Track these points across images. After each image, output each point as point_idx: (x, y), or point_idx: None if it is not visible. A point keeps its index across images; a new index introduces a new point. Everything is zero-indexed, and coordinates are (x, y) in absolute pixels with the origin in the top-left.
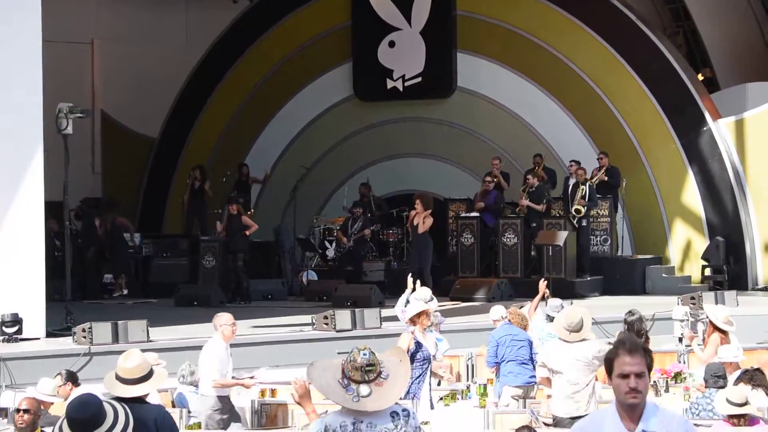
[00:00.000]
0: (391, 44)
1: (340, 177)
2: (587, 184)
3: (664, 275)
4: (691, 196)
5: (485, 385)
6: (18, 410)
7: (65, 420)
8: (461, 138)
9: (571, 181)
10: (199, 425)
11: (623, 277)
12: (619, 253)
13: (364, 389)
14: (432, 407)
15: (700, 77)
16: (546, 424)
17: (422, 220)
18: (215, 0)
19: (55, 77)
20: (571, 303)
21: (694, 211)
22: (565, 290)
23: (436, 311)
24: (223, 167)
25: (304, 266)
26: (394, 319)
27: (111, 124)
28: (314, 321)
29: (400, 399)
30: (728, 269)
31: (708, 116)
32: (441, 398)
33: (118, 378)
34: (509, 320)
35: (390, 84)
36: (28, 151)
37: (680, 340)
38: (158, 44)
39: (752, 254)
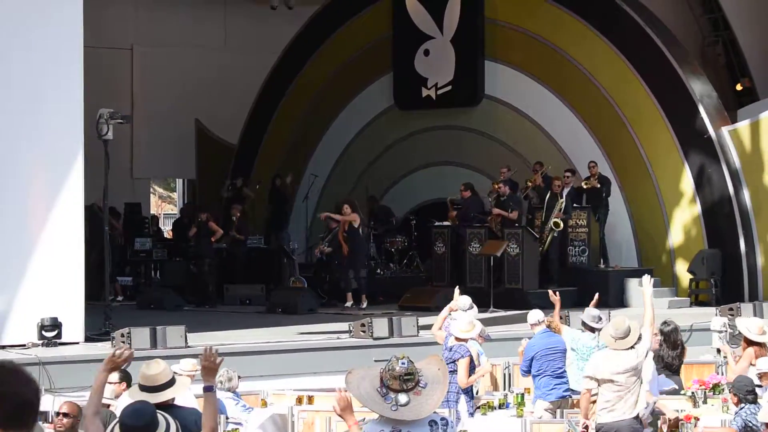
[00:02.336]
0: (426, 53)
1: (384, 185)
2: (564, 197)
3: (640, 287)
4: (692, 206)
5: (522, 395)
6: (57, 414)
7: (118, 425)
8: (488, 146)
9: (548, 193)
10: (237, 431)
11: (598, 289)
12: (616, 264)
13: (402, 398)
14: (471, 415)
15: (739, 87)
16: None
17: (345, 225)
18: (253, 4)
19: (96, 83)
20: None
21: (695, 223)
22: (520, 301)
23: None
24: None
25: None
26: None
27: (201, 131)
28: (351, 328)
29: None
30: (716, 282)
31: (709, 124)
32: (478, 407)
33: (142, 387)
34: (547, 326)
35: (425, 92)
36: (69, 157)
37: (718, 351)
38: (196, 49)
39: (752, 267)
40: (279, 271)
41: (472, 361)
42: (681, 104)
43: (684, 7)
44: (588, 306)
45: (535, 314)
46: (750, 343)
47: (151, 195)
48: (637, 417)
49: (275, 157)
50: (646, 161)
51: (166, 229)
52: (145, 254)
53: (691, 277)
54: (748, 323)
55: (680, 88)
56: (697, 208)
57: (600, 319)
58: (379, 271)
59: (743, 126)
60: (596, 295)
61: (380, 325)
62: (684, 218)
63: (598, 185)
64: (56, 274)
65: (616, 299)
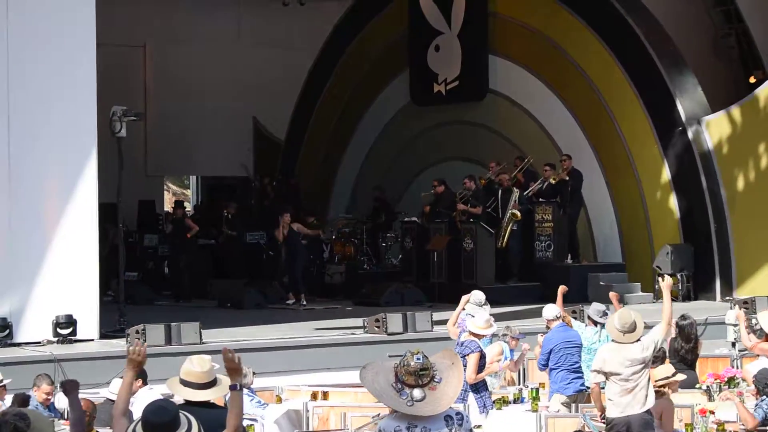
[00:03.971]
0: (437, 48)
1: (401, 182)
2: (518, 191)
3: (602, 283)
4: (670, 200)
5: (537, 389)
6: None
7: (141, 423)
8: (492, 141)
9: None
10: (252, 428)
11: (560, 284)
12: (584, 259)
13: (417, 393)
14: (487, 413)
15: (752, 80)
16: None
17: (284, 227)
18: (266, 1)
19: (109, 80)
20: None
21: (672, 217)
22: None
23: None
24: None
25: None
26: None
27: (258, 130)
28: (366, 324)
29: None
30: (687, 277)
31: (683, 115)
32: (493, 402)
33: (183, 382)
34: (564, 321)
35: (436, 88)
36: (83, 154)
37: (733, 344)
38: (210, 46)
39: (725, 262)
40: (272, 267)
41: (483, 357)
42: (659, 97)
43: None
44: (553, 302)
45: (551, 309)
46: None
47: (165, 192)
48: (648, 411)
49: (317, 155)
50: (629, 155)
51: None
52: (153, 250)
53: (659, 272)
54: None
55: (658, 81)
56: (674, 202)
57: (605, 313)
58: (366, 266)
59: (720, 117)
60: (560, 288)
61: (395, 321)
62: (662, 212)
63: (566, 178)
64: (71, 272)
65: (578, 294)
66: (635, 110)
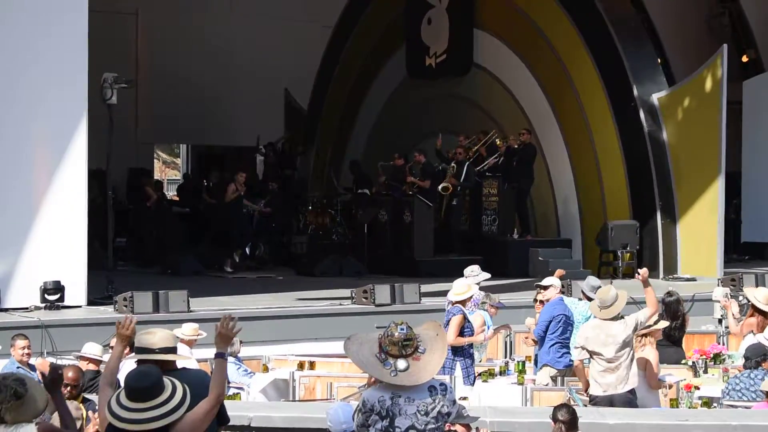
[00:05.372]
0: (429, 21)
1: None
2: (466, 164)
3: (540, 258)
4: (621, 175)
5: (524, 362)
6: (66, 385)
7: (124, 389)
8: (475, 114)
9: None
10: (238, 396)
11: (500, 258)
12: (528, 235)
13: (401, 364)
14: (472, 384)
15: (745, 59)
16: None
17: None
18: None
19: (100, 47)
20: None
21: (623, 193)
22: (410, 269)
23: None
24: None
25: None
26: (434, 294)
27: (288, 102)
28: (353, 295)
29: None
30: (632, 255)
31: (636, 91)
32: (479, 375)
33: (144, 350)
34: (562, 293)
35: (427, 61)
36: (73, 121)
37: (720, 321)
38: (202, 14)
39: (670, 239)
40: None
41: (466, 320)
42: (615, 72)
43: None
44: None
45: (551, 279)
46: (756, 311)
47: (155, 161)
48: (632, 391)
49: (332, 126)
50: (589, 131)
51: (170, 194)
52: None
53: (602, 249)
54: (756, 292)
55: (615, 56)
56: (626, 179)
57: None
58: (334, 237)
59: (671, 94)
60: (558, 271)
61: (382, 292)
62: (616, 189)
63: (515, 146)
64: (59, 238)
65: (517, 269)
66: (595, 86)
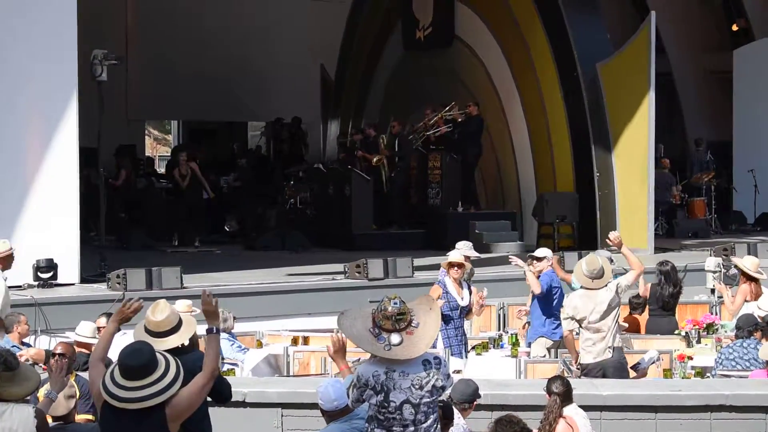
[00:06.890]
0: None
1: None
2: (396, 139)
3: (477, 231)
4: (567, 147)
5: (516, 335)
6: (53, 354)
7: (117, 366)
8: (455, 87)
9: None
10: (233, 371)
11: (440, 230)
12: (470, 207)
13: (395, 338)
14: (465, 357)
15: (735, 28)
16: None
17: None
18: None
19: (90, 23)
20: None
21: (568, 163)
22: (347, 243)
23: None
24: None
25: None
26: (427, 268)
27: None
28: (347, 269)
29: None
30: (555, 227)
31: (577, 59)
32: (473, 347)
33: (148, 331)
34: (552, 266)
35: (417, 34)
36: (63, 98)
37: (712, 291)
38: None
39: (608, 211)
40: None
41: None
42: (562, 40)
43: None
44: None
45: (543, 251)
46: (748, 278)
47: (146, 137)
48: (620, 351)
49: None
50: (543, 101)
51: (161, 170)
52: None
53: (539, 221)
54: (744, 261)
55: (561, 24)
56: (570, 149)
57: (610, 261)
58: (308, 211)
59: (612, 61)
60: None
61: (375, 266)
62: (564, 160)
63: (459, 119)
64: (52, 216)
65: (455, 242)
66: (546, 55)
